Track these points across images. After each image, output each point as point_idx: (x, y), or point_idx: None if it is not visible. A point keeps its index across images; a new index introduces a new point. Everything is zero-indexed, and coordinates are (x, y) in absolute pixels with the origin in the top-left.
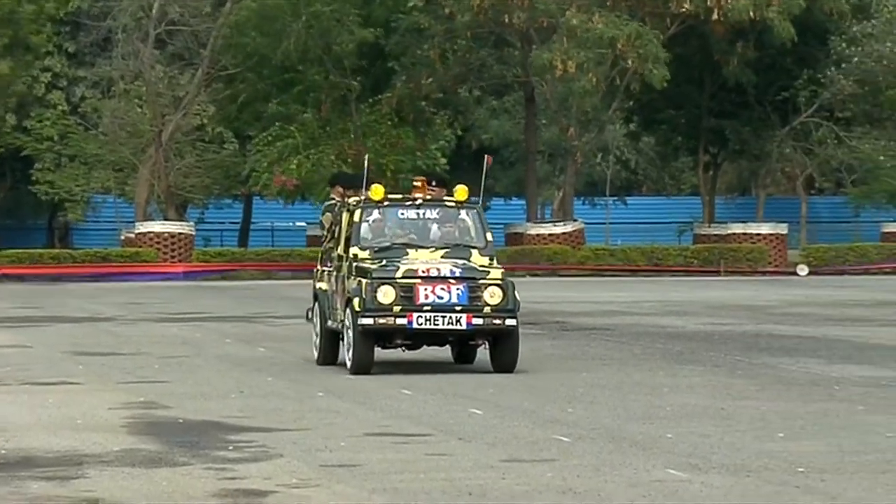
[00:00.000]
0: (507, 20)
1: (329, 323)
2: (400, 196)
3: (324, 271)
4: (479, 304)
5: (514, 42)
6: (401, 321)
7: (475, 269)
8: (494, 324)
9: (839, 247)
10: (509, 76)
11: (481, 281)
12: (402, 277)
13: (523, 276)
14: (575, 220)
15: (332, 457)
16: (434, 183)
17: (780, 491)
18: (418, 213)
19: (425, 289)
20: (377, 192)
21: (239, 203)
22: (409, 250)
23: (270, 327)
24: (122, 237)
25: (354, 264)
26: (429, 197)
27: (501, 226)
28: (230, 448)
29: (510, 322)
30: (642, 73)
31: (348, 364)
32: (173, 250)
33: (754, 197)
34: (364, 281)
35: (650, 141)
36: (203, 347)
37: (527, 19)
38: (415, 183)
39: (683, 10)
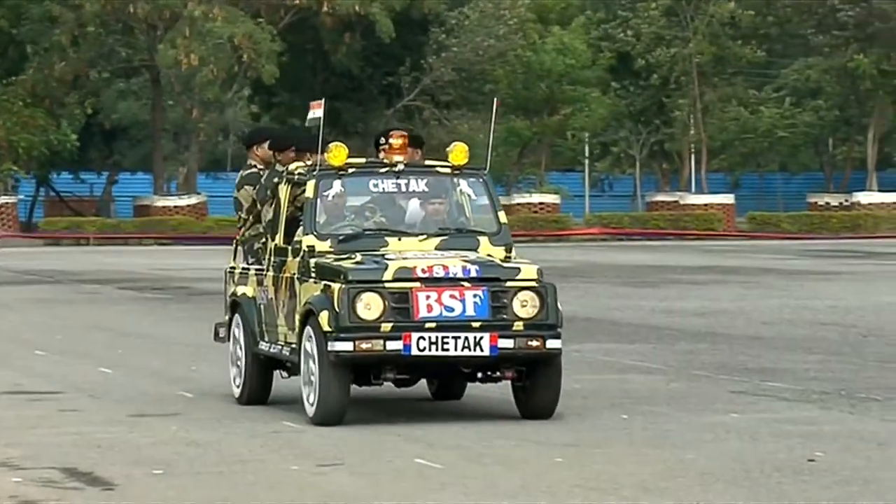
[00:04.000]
0: (132, 10)
1: (261, 345)
2: (369, 161)
3: (246, 270)
4: (506, 317)
5: (141, 29)
6: (393, 345)
7: (498, 266)
8: (530, 346)
9: None
10: (136, 60)
11: (509, 284)
12: (394, 280)
13: (151, 244)
14: (198, 193)
15: None
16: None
17: (382, 440)
18: (398, 185)
19: (428, 296)
20: (338, 154)
21: None
22: (387, 239)
23: None
24: None
25: (314, 261)
26: (414, 161)
27: (130, 198)
28: None
29: (553, 344)
30: (257, 67)
31: (308, 408)
32: None
33: None
34: (336, 286)
35: (270, 120)
36: None
37: (151, 10)
38: (390, 140)
39: (296, 3)
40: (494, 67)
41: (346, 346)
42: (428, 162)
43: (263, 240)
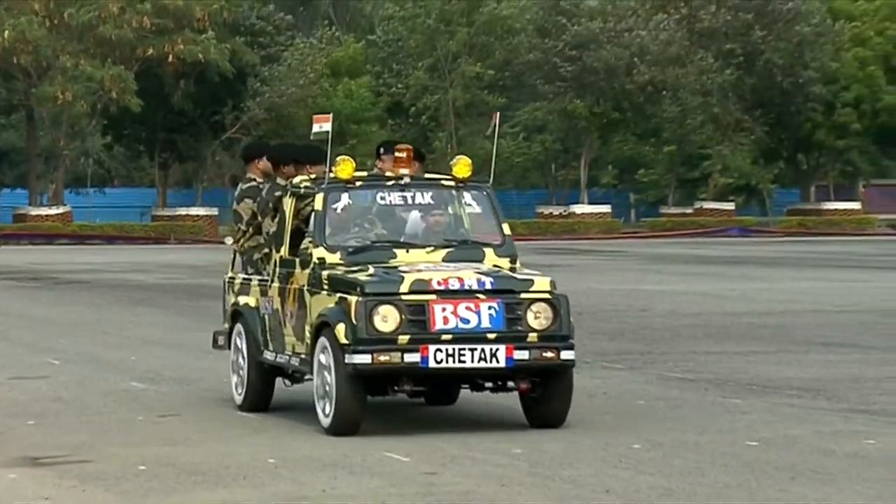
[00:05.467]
0: (15, 61)
1: (266, 354)
2: (373, 174)
3: (247, 280)
4: (520, 329)
5: (19, 76)
6: (411, 358)
7: (512, 278)
8: (545, 358)
9: None
10: (15, 100)
11: (523, 295)
12: (410, 292)
13: (26, 244)
14: (65, 205)
15: None
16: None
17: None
18: (404, 198)
19: (444, 309)
20: (346, 167)
21: None
22: (395, 251)
23: None
24: None
25: (326, 273)
26: (418, 175)
27: (10, 207)
28: None
29: (567, 355)
30: (123, 102)
31: (323, 419)
32: None
33: (195, 189)
34: (352, 299)
35: (121, 148)
36: None
37: (31, 60)
38: (396, 153)
39: (147, 54)
40: (297, 109)
41: (364, 358)
42: (431, 175)
43: (266, 250)
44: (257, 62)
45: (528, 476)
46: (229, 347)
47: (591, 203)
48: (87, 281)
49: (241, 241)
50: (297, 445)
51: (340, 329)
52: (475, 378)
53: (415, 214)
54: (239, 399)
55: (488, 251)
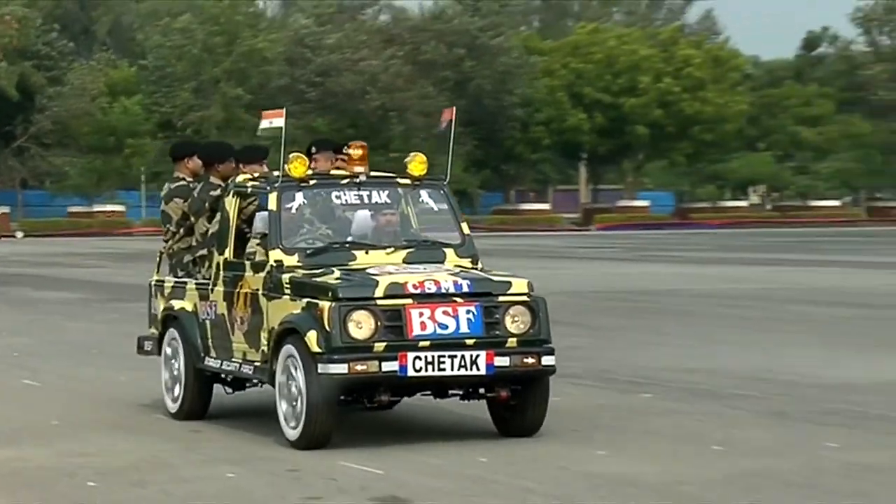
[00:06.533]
0: None
1: (209, 361)
2: (326, 173)
3: (181, 284)
4: (499, 334)
5: None
6: (389, 366)
7: (489, 280)
8: (526, 364)
9: (46, 221)
10: None
11: (501, 298)
12: (385, 297)
13: None
14: None
15: None
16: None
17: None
18: (360, 197)
19: (421, 314)
20: (299, 166)
21: None
22: (354, 252)
23: None
24: None
25: (287, 276)
26: (374, 173)
27: None
28: None
29: (547, 361)
30: None
31: (290, 432)
32: None
33: None
34: (325, 304)
35: None
36: None
37: None
38: (349, 151)
39: None
40: (80, 123)
41: (341, 368)
42: (379, 174)
43: (200, 252)
44: (44, 82)
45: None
46: (159, 353)
47: None
48: None
49: (171, 242)
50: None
51: (312, 336)
52: (452, 386)
53: (362, 213)
54: (174, 407)
55: (449, 251)
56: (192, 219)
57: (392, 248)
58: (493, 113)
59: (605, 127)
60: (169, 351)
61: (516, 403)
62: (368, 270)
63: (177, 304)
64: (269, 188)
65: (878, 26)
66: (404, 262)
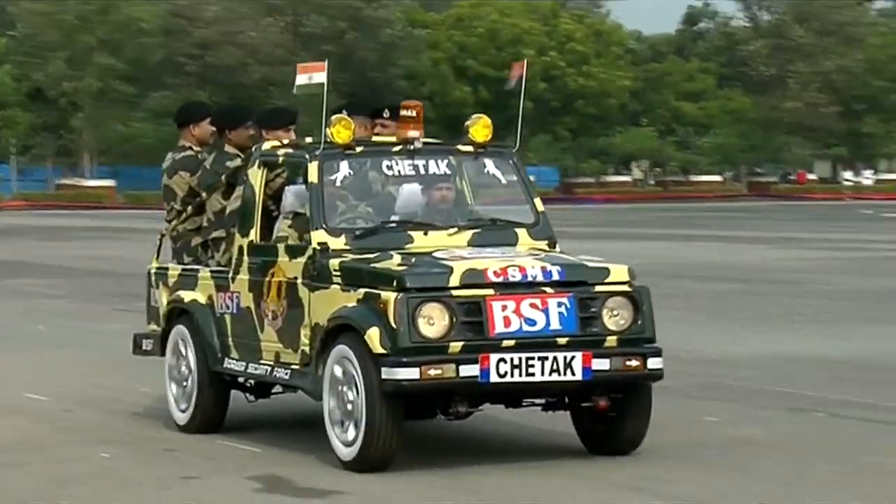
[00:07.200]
0: None
1: (229, 363)
2: (372, 138)
3: (192, 272)
4: (596, 331)
5: None
6: (468, 370)
7: (583, 266)
8: (629, 367)
9: None
10: None
11: (598, 288)
12: (461, 286)
13: None
14: None
15: None
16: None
17: None
18: (415, 167)
19: (504, 307)
20: (343, 130)
21: None
22: (411, 233)
23: None
24: None
25: (336, 262)
26: (430, 140)
27: None
28: None
29: (654, 363)
30: None
31: (344, 451)
32: None
33: None
34: (389, 295)
35: None
36: None
37: None
38: (403, 111)
39: None
40: None
41: (411, 372)
42: (432, 140)
43: (215, 234)
44: None
45: None
46: (161, 354)
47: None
48: None
49: (175, 222)
50: None
51: (374, 335)
52: (541, 394)
53: (409, 188)
54: (183, 418)
55: (521, 232)
56: (203, 195)
57: (455, 229)
58: (378, 87)
59: (489, 101)
60: (178, 351)
61: (615, 415)
62: (435, 254)
63: (186, 295)
64: (308, 157)
65: (758, 2)
66: (469, 244)
